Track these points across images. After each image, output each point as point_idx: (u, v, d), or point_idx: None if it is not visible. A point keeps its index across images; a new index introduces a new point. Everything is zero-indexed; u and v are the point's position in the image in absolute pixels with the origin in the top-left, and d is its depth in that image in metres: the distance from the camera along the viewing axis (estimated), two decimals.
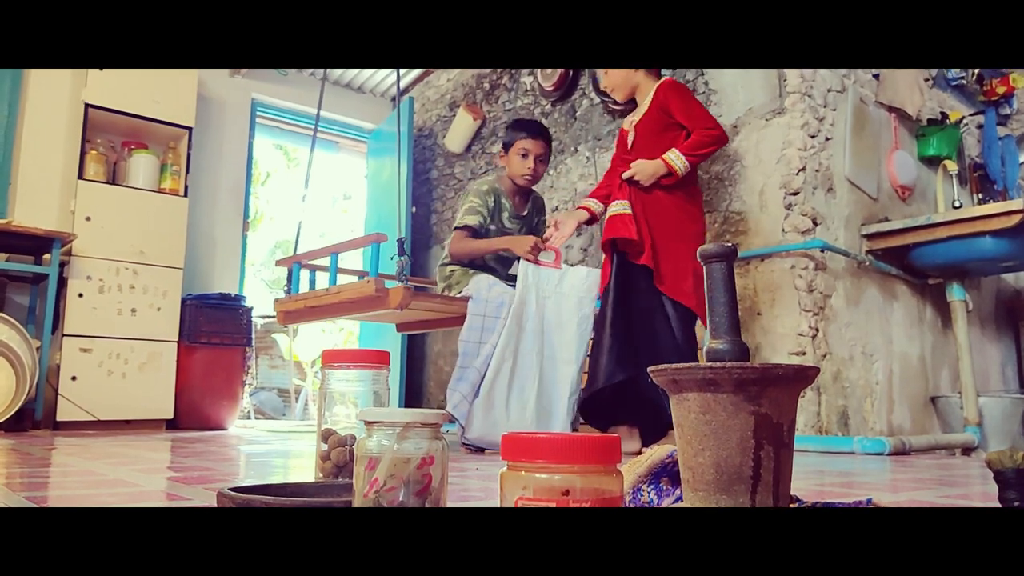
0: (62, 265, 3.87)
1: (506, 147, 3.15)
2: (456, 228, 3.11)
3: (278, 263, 3.50)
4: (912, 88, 3.40)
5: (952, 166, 3.42)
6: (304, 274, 3.27)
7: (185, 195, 4.36)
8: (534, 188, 3.30)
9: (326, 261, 3.18)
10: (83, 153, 4.06)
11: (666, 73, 3.70)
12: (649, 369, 0.86)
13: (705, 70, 3.52)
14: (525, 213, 3.24)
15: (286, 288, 3.27)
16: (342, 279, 3.18)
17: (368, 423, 0.80)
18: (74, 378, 3.84)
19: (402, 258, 2.84)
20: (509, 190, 3.19)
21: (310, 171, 3.73)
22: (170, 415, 4.14)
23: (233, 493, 0.97)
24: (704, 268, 0.89)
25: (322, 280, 3.16)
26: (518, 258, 2.94)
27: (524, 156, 3.08)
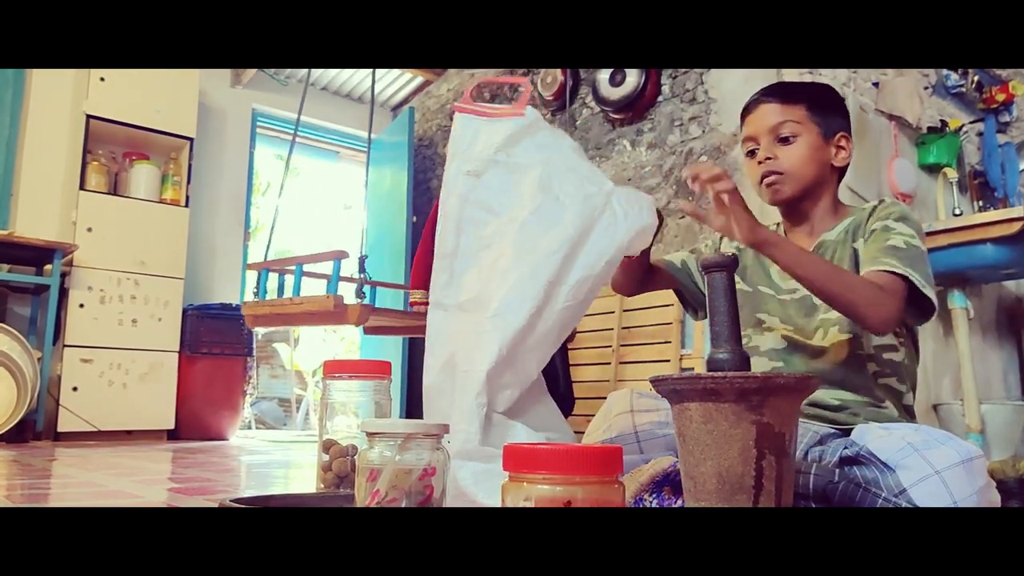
0: (63, 276, 3.87)
1: None
2: None
3: (248, 266, 3.54)
4: (912, 96, 3.40)
5: (952, 174, 3.42)
6: (274, 279, 3.31)
7: (186, 205, 4.36)
8: None
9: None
10: (84, 164, 4.07)
11: (665, 79, 3.71)
12: (650, 378, 0.86)
13: (705, 78, 3.53)
14: None
15: (255, 291, 3.33)
16: (314, 283, 3.30)
17: (370, 434, 0.80)
18: (75, 389, 3.83)
19: (362, 275, 2.97)
20: None
21: (285, 177, 3.83)
22: (171, 425, 4.13)
23: (235, 505, 0.96)
24: (705, 277, 0.89)
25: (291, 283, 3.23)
26: None
27: None
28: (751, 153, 1.34)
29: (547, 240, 1.12)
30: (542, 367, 1.17)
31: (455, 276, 1.21)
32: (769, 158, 1.29)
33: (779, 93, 1.33)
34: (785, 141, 1.29)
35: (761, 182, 1.32)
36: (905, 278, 1.13)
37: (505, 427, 1.09)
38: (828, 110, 1.32)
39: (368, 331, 3.53)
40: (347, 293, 3.13)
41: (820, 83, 1.37)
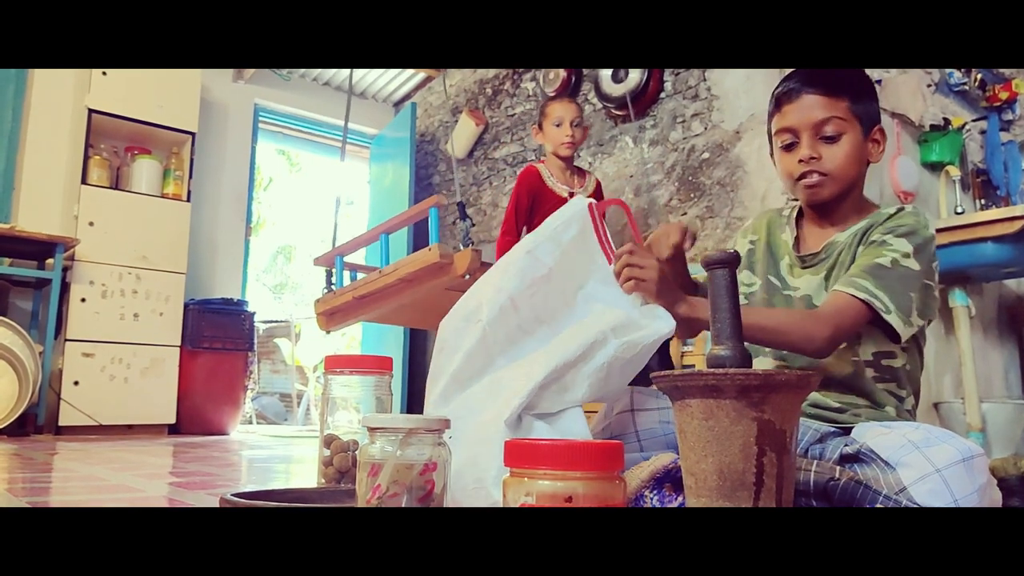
0: (65, 270, 3.87)
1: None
2: None
3: (316, 261, 3.23)
4: (914, 94, 3.40)
5: (954, 172, 3.42)
6: (344, 275, 3.04)
7: (188, 200, 4.37)
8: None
9: (357, 258, 3.04)
10: (86, 158, 4.07)
11: (667, 76, 3.71)
12: (652, 375, 0.86)
13: (707, 75, 3.52)
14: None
15: (328, 286, 3.03)
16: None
17: (371, 429, 0.80)
18: (76, 383, 3.84)
19: (465, 222, 2.69)
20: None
21: (342, 166, 3.63)
22: (172, 420, 4.14)
23: (235, 499, 0.97)
24: (707, 274, 0.89)
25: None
26: None
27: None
28: (788, 146, 1.26)
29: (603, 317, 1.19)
30: (593, 398, 1.19)
31: (529, 333, 1.25)
32: (813, 157, 1.22)
33: (823, 84, 1.23)
34: (829, 139, 1.22)
35: (799, 180, 1.25)
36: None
37: (529, 427, 1.11)
38: (867, 100, 1.25)
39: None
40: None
41: (855, 70, 1.28)
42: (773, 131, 1.30)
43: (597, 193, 2.97)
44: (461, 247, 2.53)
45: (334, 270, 3.10)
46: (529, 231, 2.80)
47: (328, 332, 3.28)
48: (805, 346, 1.13)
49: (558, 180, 2.89)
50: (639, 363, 1.20)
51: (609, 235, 1.35)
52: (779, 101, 1.28)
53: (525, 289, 1.25)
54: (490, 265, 2.55)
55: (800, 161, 1.24)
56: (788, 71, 1.31)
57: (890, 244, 1.17)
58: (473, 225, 2.75)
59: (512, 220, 2.84)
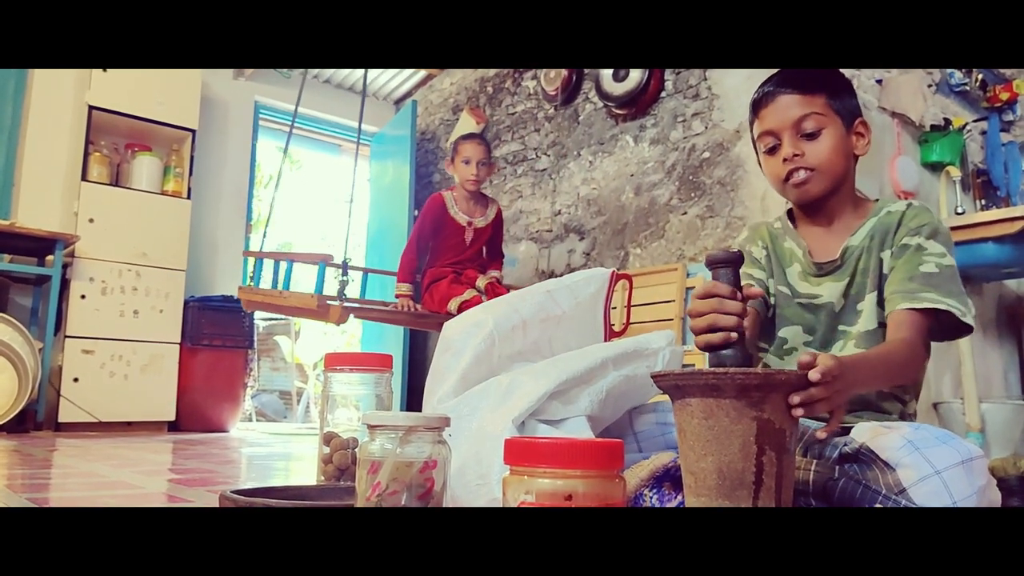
0: (65, 266, 3.87)
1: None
2: None
3: (245, 254, 3.82)
4: (915, 94, 3.39)
5: (955, 172, 3.42)
6: (271, 265, 3.54)
7: (188, 197, 4.36)
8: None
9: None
10: (86, 155, 4.07)
11: (668, 75, 3.71)
12: (651, 374, 0.86)
13: (708, 75, 3.52)
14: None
15: (251, 276, 3.59)
16: (311, 273, 3.48)
17: (371, 426, 0.81)
18: (76, 380, 3.84)
19: (344, 279, 3.14)
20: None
21: (282, 170, 3.97)
22: (172, 417, 4.14)
23: (235, 496, 0.97)
24: (711, 273, 0.89)
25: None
26: None
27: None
28: (771, 150, 1.25)
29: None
30: (590, 410, 1.21)
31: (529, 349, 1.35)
32: (797, 155, 1.22)
33: (797, 83, 1.23)
34: (810, 136, 1.22)
35: (787, 180, 1.24)
36: (938, 310, 1.12)
37: (534, 429, 1.13)
38: (844, 95, 1.25)
39: (358, 315, 3.66)
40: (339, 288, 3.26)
41: (830, 69, 1.29)
42: (755, 137, 1.30)
43: (496, 221, 3.38)
44: (337, 300, 3.04)
45: (275, 263, 3.59)
46: (431, 252, 3.28)
47: (248, 311, 4.01)
48: (908, 380, 1.16)
49: (461, 209, 3.27)
50: (636, 397, 1.26)
51: (609, 312, 1.44)
52: (756, 106, 1.28)
53: (538, 321, 1.33)
54: (365, 308, 3.17)
55: (784, 161, 1.24)
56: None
57: (926, 249, 1.17)
58: (350, 282, 3.28)
59: (415, 242, 3.26)
